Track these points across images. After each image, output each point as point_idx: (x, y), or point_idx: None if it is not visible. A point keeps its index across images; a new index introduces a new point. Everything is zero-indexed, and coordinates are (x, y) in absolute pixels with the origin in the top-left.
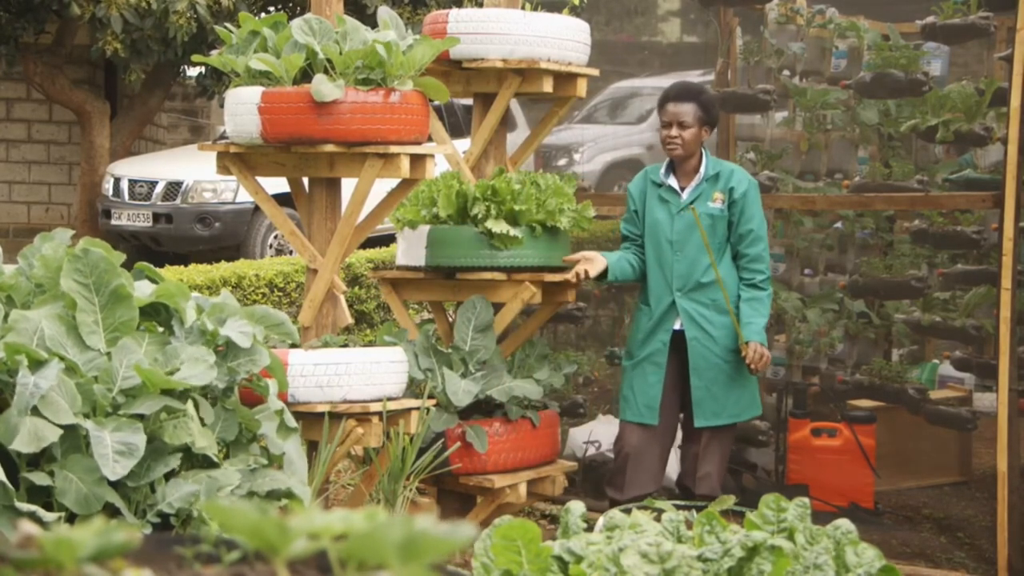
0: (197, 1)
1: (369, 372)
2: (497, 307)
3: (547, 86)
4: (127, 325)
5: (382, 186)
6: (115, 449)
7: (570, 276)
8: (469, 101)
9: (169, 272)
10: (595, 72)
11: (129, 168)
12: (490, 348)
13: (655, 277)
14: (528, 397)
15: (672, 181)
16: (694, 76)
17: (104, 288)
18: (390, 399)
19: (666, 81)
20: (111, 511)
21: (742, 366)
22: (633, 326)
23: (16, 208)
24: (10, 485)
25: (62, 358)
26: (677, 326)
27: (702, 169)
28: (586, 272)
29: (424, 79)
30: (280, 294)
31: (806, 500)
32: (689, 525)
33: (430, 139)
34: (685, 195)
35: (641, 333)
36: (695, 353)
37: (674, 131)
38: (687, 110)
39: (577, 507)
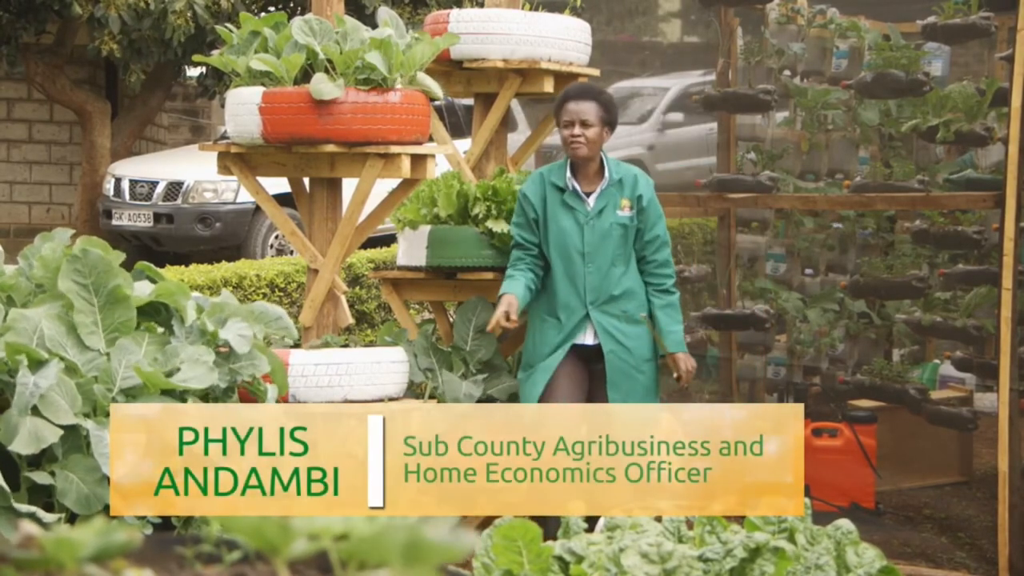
0: (195, 1)
1: (370, 372)
2: None
3: (548, 86)
4: (126, 325)
5: (383, 186)
6: None
7: (491, 328)
8: (470, 101)
9: (170, 272)
10: (596, 72)
11: (130, 168)
12: (490, 348)
13: (565, 290)
14: None
15: (576, 186)
16: (695, 76)
17: (103, 289)
18: (391, 399)
19: (667, 81)
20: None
21: (654, 377)
22: (536, 338)
23: (17, 208)
24: (7, 487)
25: (62, 358)
26: (588, 340)
27: (606, 174)
28: (507, 316)
29: (419, 75)
30: (281, 294)
31: (807, 500)
32: (690, 525)
33: (431, 139)
34: (592, 202)
35: (547, 347)
36: (612, 367)
37: (577, 129)
38: (588, 108)
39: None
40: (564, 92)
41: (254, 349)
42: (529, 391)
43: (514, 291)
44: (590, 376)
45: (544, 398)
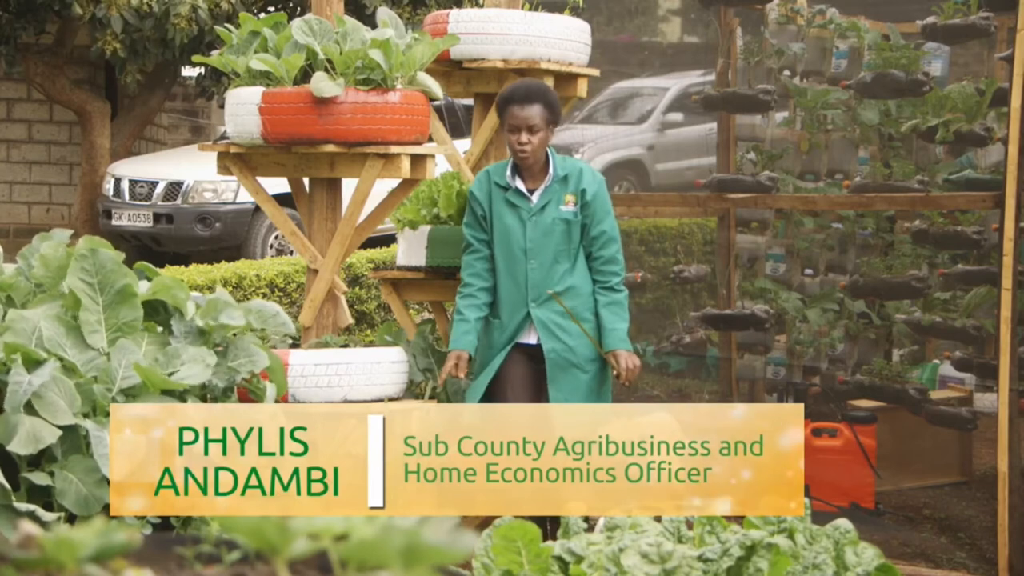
0: (198, 4)
1: (369, 372)
2: None
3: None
4: (131, 325)
5: (383, 186)
6: None
7: (440, 382)
8: (469, 101)
9: (170, 272)
10: (596, 72)
11: (130, 168)
12: None
13: (507, 288)
14: None
15: (519, 184)
16: (694, 76)
17: (109, 288)
18: (391, 399)
19: (667, 81)
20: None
21: (600, 376)
22: (483, 341)
23: (17, 208)
24: (7, 485)
25: (60, 358)
26: (531, 340)
27: (551, 170)
28: (455, 368)
29: (419, 76)
30: (281, 294)
31: (807, 500)
32: (690, 525)
33: (431, 139)
34: (535, 199)
35: (493, 349)
36: (553, 364)
37: (524, 137)
38: (535, 113)
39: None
40: (508, 93)
41: (252, 344)
42: (470, 394)
43: (464, 346)
44: (538, 377)
45: (491, 401)
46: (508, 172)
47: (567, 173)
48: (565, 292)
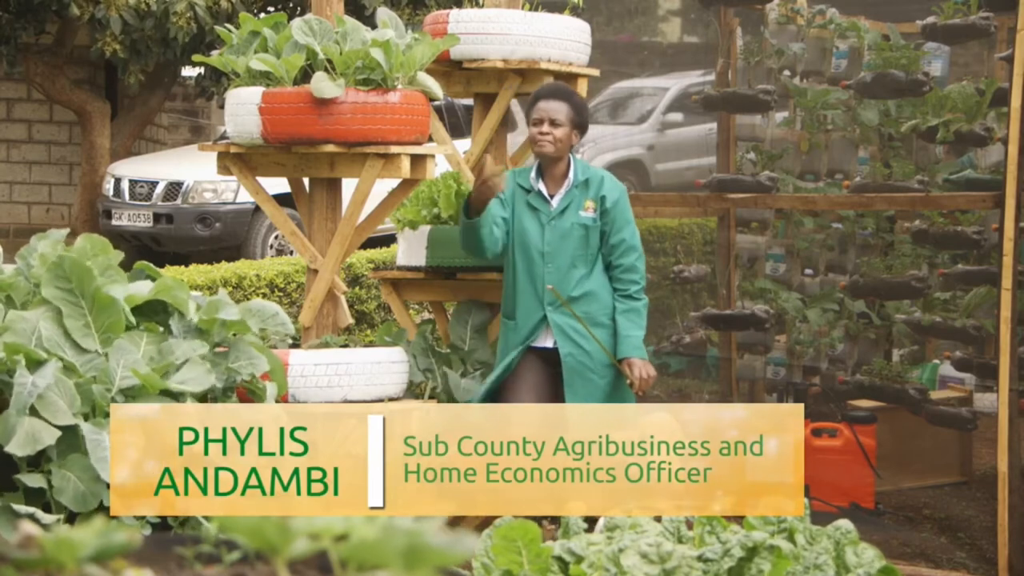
0: (196, 3)
1: (369, 372)
2: (497, 307)
3: None
4: (115, 326)
5: (383, 186)
6: None
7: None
8: (469, 101)
9: (170, 272)
10: (595, 72)
11: (130, 168)
12: (487, 348)
13: (524, 290)
14: None
15: (541, 187)
16: (694, 76)
17: (89, 292)
18: (391, 399)
19: (667, 81)
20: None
21: (616, 382)
22: (499, 344)
23: (17, 208)
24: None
25: (60, 358)
26: (548, 343)
27: (571, 174)
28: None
29: (419, 76)
30: (281, 294)
31: (807, 500)
32: (690, 525)
33: (431, 139)
34: (555, 203)
35: (509, 351)
36: (569, 369)
37: (545, 127)
38: (559, 108)
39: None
40: (536, 91)
41: (252, 348)
42: (479, 391)
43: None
44: (553, 381)
45: (502, 402)
46: (532, 175)
47: (588, 178)
48: (582, 297)
